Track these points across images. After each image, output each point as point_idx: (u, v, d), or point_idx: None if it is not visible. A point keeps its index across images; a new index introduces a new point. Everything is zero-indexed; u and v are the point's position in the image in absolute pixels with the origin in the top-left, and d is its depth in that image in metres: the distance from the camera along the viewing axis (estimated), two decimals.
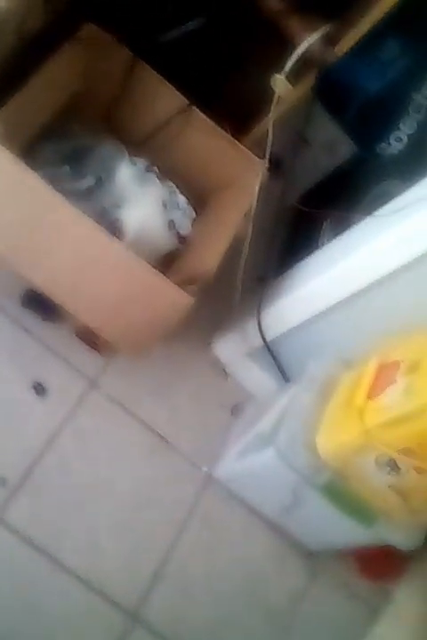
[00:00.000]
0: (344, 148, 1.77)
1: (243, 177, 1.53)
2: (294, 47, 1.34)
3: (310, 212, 1.70)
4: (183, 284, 1.39)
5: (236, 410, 1.77)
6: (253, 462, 1.57)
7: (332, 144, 1.76)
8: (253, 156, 1.52)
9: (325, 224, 1.66)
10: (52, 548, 1.45)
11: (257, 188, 1.46)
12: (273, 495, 1.62)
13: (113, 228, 1.43)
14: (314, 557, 1.75)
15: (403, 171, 1.56)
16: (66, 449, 1.54)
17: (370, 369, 1.41)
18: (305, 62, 1.37)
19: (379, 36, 1.48)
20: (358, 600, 1.78)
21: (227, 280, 1.60)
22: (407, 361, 1.33)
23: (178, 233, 1.56)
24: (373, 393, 1.35)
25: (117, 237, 1.41)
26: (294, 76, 1.37)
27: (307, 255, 1.64)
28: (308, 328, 1.59)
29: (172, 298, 1.33)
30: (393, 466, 1.33)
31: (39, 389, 1.54)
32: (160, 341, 1.45)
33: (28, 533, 1.43)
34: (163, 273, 1.48)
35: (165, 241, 1.53)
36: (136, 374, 1.67)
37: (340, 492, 1.46)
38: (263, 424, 1.60)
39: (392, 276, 1.39)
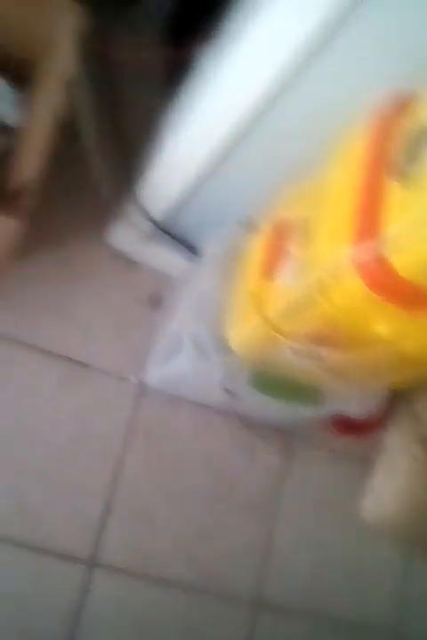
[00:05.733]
0: None
1: (58, 32, 1.14)
2: None
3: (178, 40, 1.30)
4: (8, 198, 1.08)
5: (154, 300, 1.49)
6: (174, 366, 1.33)
7: None
8: (60, 1, 1.12)
9: (197, 49, 1.26)
10: None
11: (71, 43, 1.08)
12: (210, 392, 1.39)
13: None
14: (284, 432, 1.55)
15: None
16: None
17: (262, 236, 1.10)
18: None
19: None
20: (346, 459, 1.59)
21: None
22: (299, 220, 1.01)
23: (4, 127, 1.22)
24: (268, 271, 1.06)
25: None
26: None
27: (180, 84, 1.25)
28: (202, 189, 1.26)
29: None
30: (311, 353, 1.06)
31: None
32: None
33: None
34: None
35: None
36: (25, 296, 1.40)
37: (270, 383, 1.22)
38: (174, 320, 1.33)
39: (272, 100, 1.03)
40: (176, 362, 1.29)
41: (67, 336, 1.42)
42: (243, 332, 1.10)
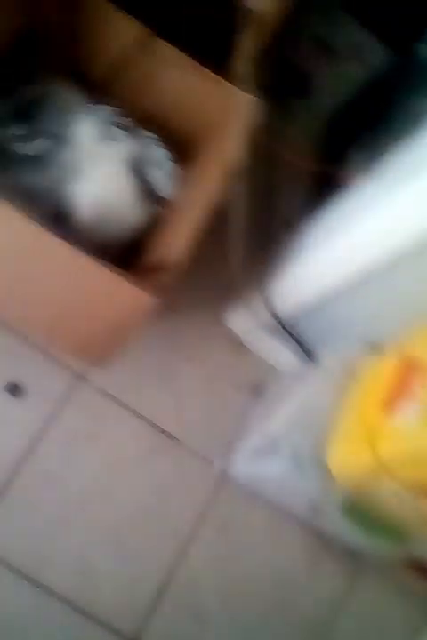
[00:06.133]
0: (375, 54, 1.34)
1: (232, 120, 1.18)
2: None
3: (337, 139, 1.32)
4: (152, 271, 1.11)
5: (256, 390, 1.48)
6: (265, 467, 1.30)
7: (360, 49, 1.34)
8: (239, 91, 1.16)
9: (355, 156, 1.28)
10: (36, 572, 1.28)
11: (242, 133, 1.12)
12: (294, 501, 1.35)
13: (62, 207, 1.16)
14: (355, 555, 1.48)
15: None
16: (51, 457, 1.34)
17: (387, 368, 1.08)
18: None
19: None
20: (413, 598, 1.52)
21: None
22: None
23: (157, 196, 1.26)
24: (388, 405, 1.03)
25: (68, 220, 1.15)
26: None
27: (331, 199, 1.27)
28: (332, 301, 1.26)
29: (130, 299, 1.05)
30: (415, 499, 1.02)
31: (14, 390, 1.34)
32: (126, 344, 1.19)
33: (6, 557, 1.27)
34: (135, 252, 1.22)
35: (136, 212, 1.23)
36: (133, 359, 1.42)
37: (360, 513, 1.18)
38: (275, 422, 1.31)
39: None
40: (268, 464, 1.27)
41: (163, 406, 1.43)
42: (347, 458, 1.07)
